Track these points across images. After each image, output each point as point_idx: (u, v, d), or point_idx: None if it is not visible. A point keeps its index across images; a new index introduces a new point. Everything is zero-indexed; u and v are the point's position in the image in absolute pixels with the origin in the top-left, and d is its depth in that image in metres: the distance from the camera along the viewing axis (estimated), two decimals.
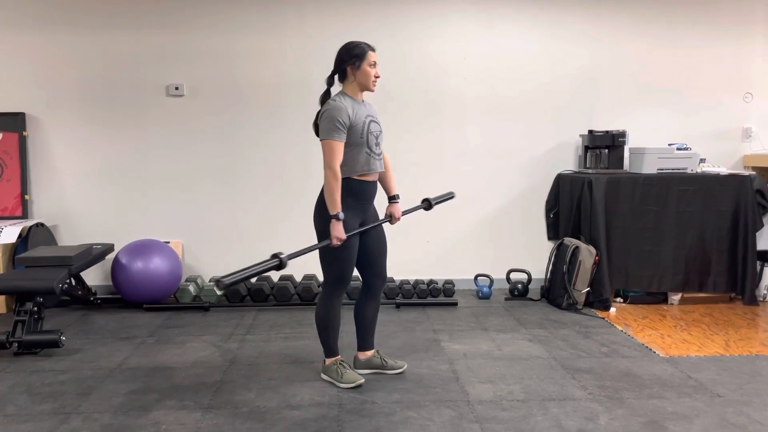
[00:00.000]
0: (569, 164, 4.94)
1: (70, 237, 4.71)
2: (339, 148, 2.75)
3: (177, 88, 4.66)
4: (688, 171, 4.56)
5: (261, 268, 2.54)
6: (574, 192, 4.59)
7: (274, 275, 4.66)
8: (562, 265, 4.38)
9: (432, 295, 4.55)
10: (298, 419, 2.63)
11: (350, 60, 2.83)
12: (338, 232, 2.74)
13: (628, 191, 4.40)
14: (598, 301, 4.34)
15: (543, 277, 4.68)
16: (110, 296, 4.54)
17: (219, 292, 4.40)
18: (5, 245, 4.25)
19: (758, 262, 4.50)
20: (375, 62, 2.86)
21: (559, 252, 4.51)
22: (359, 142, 2.81)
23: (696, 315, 4.24)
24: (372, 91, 2.91)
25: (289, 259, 2.60)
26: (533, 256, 4.88)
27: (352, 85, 2.87)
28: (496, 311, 4.33)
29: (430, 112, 4.82)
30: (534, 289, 4.73)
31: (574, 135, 4.89)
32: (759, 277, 4.51)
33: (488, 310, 4.37)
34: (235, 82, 4.70)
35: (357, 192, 2.87)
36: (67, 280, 3.75)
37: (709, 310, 4.36)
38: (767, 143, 5.00)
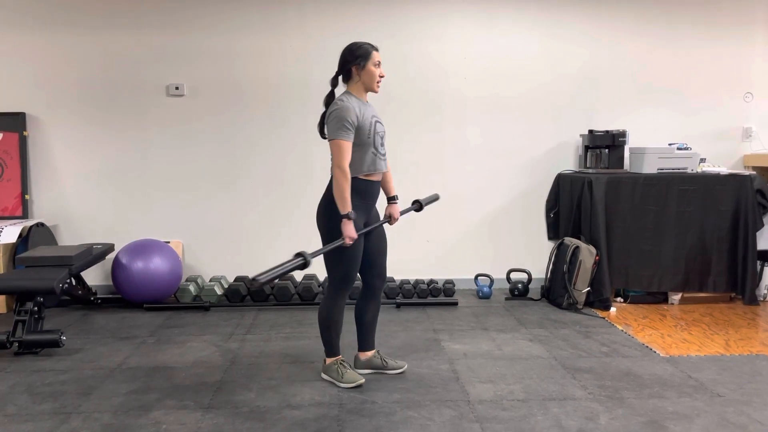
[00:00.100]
0: (569, 164, 4.94)
1: (71, 237, 4.71)
2: (348, 147, 2.74)
3: (177, 88, 4.66)
4: (689, 171, 4.56)
5: (289, 267, 2.55)
6: (574, 192, 4.59)
7: None
8: (562, 265, 4.38)
9: (432, 295, 4.55)
10: (298, 419, 2.63)
11: (355, 60, 2.82)
12: (350, 231, 2.73)
13: (629, 191, 4.40)
14: (598, 300, 4.34)
15: (543, 276, 4.68)
16: (110, 296, 4.55)
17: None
18: (5, 245, 4.26)
19: (758, 262, 4.50)
20: (379, 62, 2.87)
21: (559, 252, 4.51)
22: (366, 142, 2.81)
23: (696, 315, 4.24)
24: (376, 92, 2.91)
25: (312, 257, 2.62)
26: (533, 255, 4.88)
27: (357, 86, 2.87)
28: (497, 311, 4.33)
29: (430, 112, 4.82)
30: (534, 289, 4.73)
31: (575, 135, 4.89)
32: (759, 276, 4.52)
33: (488, 309, 4.37)
34: (235, 82, 4.71)
35: (363, 192, 2.87)
36: (68, 280, 3.75)
37: (710, 309, 4.36)
38: (767, 143, 5.00)
